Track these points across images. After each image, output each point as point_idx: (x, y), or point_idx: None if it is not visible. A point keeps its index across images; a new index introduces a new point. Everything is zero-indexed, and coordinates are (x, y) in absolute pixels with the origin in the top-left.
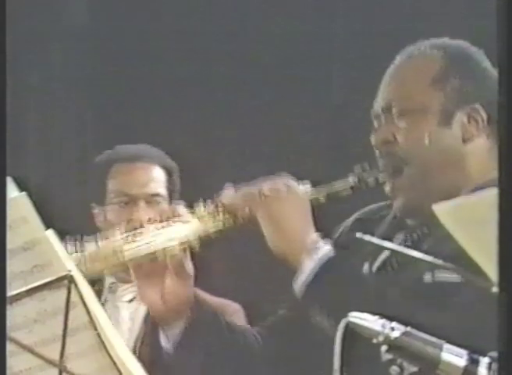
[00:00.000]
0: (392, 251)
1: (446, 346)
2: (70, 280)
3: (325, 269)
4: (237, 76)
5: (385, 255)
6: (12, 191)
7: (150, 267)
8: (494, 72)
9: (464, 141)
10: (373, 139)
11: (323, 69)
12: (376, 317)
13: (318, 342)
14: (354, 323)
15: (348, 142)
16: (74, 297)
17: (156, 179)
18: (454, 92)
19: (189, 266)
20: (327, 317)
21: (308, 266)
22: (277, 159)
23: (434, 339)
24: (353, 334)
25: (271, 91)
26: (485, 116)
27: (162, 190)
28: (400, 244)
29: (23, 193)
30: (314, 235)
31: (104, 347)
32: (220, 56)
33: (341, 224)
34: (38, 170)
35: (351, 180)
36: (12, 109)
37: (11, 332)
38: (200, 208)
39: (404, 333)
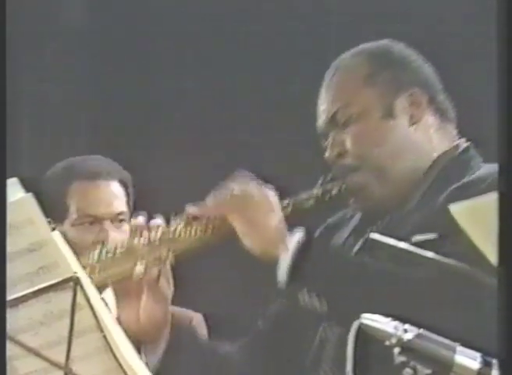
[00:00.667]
0: (406, 251)
1: (460, 348)
2: (76, 281)
3: (303, 250)
4: (206, 87)
5: (358, 245)
6: (18, 192)
7: (127, 286)
8: (421, 59)
9: (412, 124)
10: (327, 156)
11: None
12: (389, 319)
13: (300, 353)
14: (366, 325)
15: (312, 154)
16: (80, 299)
17: (118, 196)
18: (388, 83)
19: (164, 285)
20: (316, 297)
21: (286, 253)
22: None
23: (447, 341)
24: (365, 336)
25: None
26: (425, 97)
27: (124, 207)
28: (366, 239)
29: (29, 194)
30: (285, 230)
31: (111, 349)
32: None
33: (314, 231)
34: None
35: (315, 191)
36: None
37: (16, 334)
38: (172, 223)
39: (417, 336)
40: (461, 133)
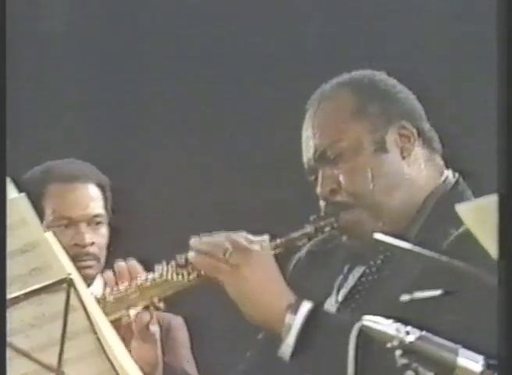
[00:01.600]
0: (409, 251)
1: (462, 351)
2: (70, 283)
3: (308, 327)
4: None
5: (348, 286)
6: (11, 192)
7: (116, 331)
8: (404, 89)
9: (404, 158)
10: (319, 192)
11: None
12: (390, 321)
13: None
14: (368, 327)
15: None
16: (73, 301)
17: (95, 198)
18: (377, 116)
19: (154, 329)
20: None
21: (290, 334)
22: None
23: (449, 343)
24: (366, 338)
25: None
26: (414, 130)
27: (101, 209)
28: (361, 276)
29: (23, 194)
30: (289, 295)
31: (104, 351)
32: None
33: (293, 257)
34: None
35: (308, 229)
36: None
37: (7, 336)
38: (163, 268)
39: (419, 338)
40: (448, 163)
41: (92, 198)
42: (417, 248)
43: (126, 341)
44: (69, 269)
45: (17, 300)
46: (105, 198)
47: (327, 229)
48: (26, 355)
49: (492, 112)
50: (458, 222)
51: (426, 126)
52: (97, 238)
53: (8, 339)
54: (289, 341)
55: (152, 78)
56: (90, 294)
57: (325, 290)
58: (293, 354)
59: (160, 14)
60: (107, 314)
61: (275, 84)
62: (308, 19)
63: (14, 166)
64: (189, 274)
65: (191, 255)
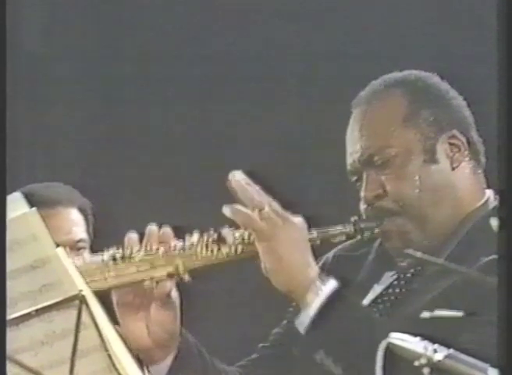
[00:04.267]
0: (441, 265)
1: (491, 370)
2: (81, 300)
3: (331, 304)
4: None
5: (375, 292)
6: (22, 207)
7: (134, 296)
8: (455, 93)
9: (453, 169)
10: (363, 196)
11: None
12: (417, 338)
13: None
14: (395, 345)
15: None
16: (85, 318)
17: (77, 223)
18: (428, 125)
19: (175, 296)
20: (332, 355)
21: (314, 301)
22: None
23: (478, 362)
24: (393, 356)
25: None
26: (464, 139)
27: (84, 234)
28: (392, 282)
29: (34, 209)
30: (315, 268)
31: (115, 369)
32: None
33: (318, 260)
34: None
35: (348, 229)
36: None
37: (16, 354)
38: (194, 239)
39: (447, 356)
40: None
41: (75, 223)
42: (448, 263)
43: (144, 310)
44: (81, 285)
45: (28, 317)
46: (87, 222)
47: (367, 233)
48: (35, 373)
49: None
50: (490, 248)
51: (475, 136)
52: (80, 263)
53: (18, 357)
54: (310, 311)
55: (134, 105)
56: (101, 310)
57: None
58: (310, 326)
59: (146, 35)
60: (128, 273)
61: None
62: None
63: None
64: (218, 250)
65: (227, 210)
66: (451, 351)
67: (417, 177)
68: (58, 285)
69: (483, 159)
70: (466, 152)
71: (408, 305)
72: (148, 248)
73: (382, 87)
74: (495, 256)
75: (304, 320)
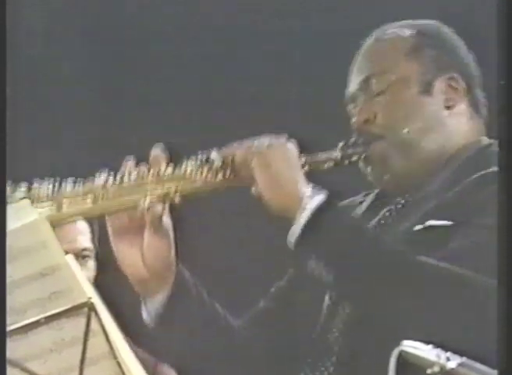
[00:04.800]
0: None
1: None
2: (90, 307)
3: (318, 217)
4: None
5: (370, 200)
6: (31, 214)
7: (127, 222)
8: (465, 48)
9: (447, 107)
10: (354, 121)
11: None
12: (430, 346)
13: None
14: (407, 353)
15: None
16: (94, 325)
17: (82, 232)
18: (431, 62)
19: (167, 221)
20: (324, 265)
21: (302, 216)
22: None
23: (490, 371)
24: (405, 364)
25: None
26: (463, 84)
27: (89, 243)
28: (384, 216)
29: (43, 216)
30: (307, 185)
31: None
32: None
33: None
34: None
35: (335, 154)
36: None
37: (25, 362)
38: (185, 163)
39: (461, 364)
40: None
41: (80, 232)
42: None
43: (137, 234)
44: (90, 292)
45: (36, 324)
46: (93, 232)
47: (354, 158)
48: None
49: None
50: (482, 185)
51: (477, 89)
52: (85, 272)
53: (26, 364)
54: (300, 222)
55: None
56: (110, 317)
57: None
58: (300, 238)
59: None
60: (122, 199)
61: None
62: None
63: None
64: (208, 174)
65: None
66: (464, 359)
67: (408, 105)
68: (68, 293)
69: (484, 112)
70: (463, 98)
71: (401, 222)
72: (140, 174)
73: (392, 27)
74: (487, 170)
75: (294, 232)
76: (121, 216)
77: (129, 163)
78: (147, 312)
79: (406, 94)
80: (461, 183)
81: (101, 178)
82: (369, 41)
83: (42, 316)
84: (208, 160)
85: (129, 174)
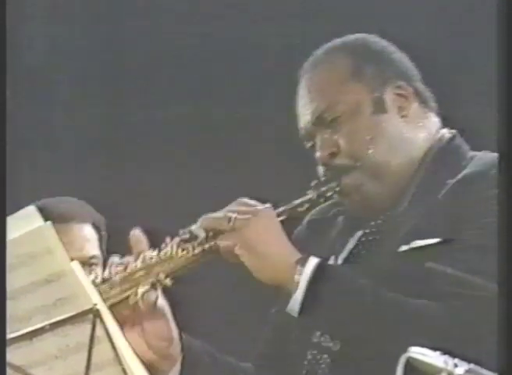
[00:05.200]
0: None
1: None
2: (96, 314)
3: (314, 286)
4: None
5: (351, 245)
6: (36, 221)
7: (127, 314)
8: (397, 50)
9: (402, 117)
10: (318, 157)
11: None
12: (438, 353)
13: None
14: (415, 359)
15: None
16: (99, 331)
17: (90, 240)
18: (373, 78)
19: (162, 303)
20: (328, 333)
21: (299, 284)
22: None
23: None
24: (413, 370)
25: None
26: (410, 89)
27: (96, 251)
28: (360, 240)
29: (49, 222)
30: (294, 252)
31: None
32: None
33: (294, 231)
34: None
35: (310, 195)
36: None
37: (30, 368)
38: (167, 246)
39: (468, 371)
40: (444, 122)
41: (87, 240)
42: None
43: (135, 320)
44: (95, 299)
45: (42, 331)
46: (100, 238)
47: (329, 194)
48: None
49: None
50: (454, 173)
51: (421, 86)
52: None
53: (31, 371)
54: (298, 295)
55: (143, 116)
56: (115, 324)
57: (327, 254)
58: (302, 309)
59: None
60: (113, 294)
61: (263, 55)
62: None
63: (12, 204)
64: (194, 249)
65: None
66: (472, 365)
67: (367, 129)
68: (73, 299)
69: (433, 104)
70: (413, 101)
71: (384, 247)
72: (126, 267)
73: (324, 51)
74: (460, 176)
75: (294, 305)
76: (120, 309)
77: (114, 260)
78: None
79: (362, 118)
80: (440, 190)
81: (90, 275)
82: (306, 72)
83: (47, 322)
84: (191, 235)
85: (116, 274)
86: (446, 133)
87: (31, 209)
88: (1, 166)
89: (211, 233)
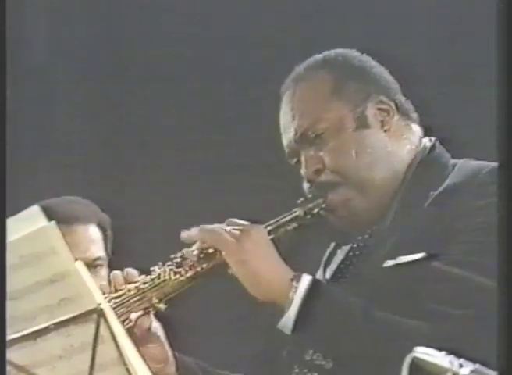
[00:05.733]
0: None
1: None
2: (100, 313)
3: (307, 304)
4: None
5: (336, 262)
6: (41, 221)
7: None
8: (377, 64)
9: (385, 131)
10: (303, 174)
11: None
12: (443, 353)
13: None
14: (420, 359)
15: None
16: (103, 331)
17: (95, 241)
18: (355, 94)
19: (155, 327)
20: (321, 352)
21: (293, 301)
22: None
23: None
24: (418, 371)
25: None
26: (391, 103)
27: (102, 252)
28: (347, 254)
29: (53, 222)
30: (287, 270)
31: None
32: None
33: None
34: None
35: (297, 212)
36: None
37: (33, 368)
38: (159, 269)
39: (473, 371)
40: (426, 132)
41: (92, 241)
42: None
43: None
44: (99, 299)
45: (46, 331)
46: (106, 239)
47: (316, 210)
48: None
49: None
50: (437, 184)
51: (402, 98)
52: (97, 281)
53: (35, 371)
54: (291, 312)
55: (148, 114)
56: (119, 324)
57: (314, 266)
58: (295, 326)
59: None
60: None
61: (248, 71)
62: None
63: (13, 205)
64: (186, 272)
65: (191, 234)
66: (477, 365)
67: (351, 145)
68: (77, 299)
69: (414, 115)
70: (395, 115)
71: (370, 262)
72: (118, 294)
73: (304, 69)
74: (442, 188)
75: (287, 322)
76: None
77: (104, 286)
78: None
79: (345, 134)
80: (424, 202)
81: None
82: (287, 89)
83: (51, 322)
84: (183, 259)
85: (110, 300)
86: (427, 142)
87: (35, 209)
88: (1, 166)
89: (202, 255)
